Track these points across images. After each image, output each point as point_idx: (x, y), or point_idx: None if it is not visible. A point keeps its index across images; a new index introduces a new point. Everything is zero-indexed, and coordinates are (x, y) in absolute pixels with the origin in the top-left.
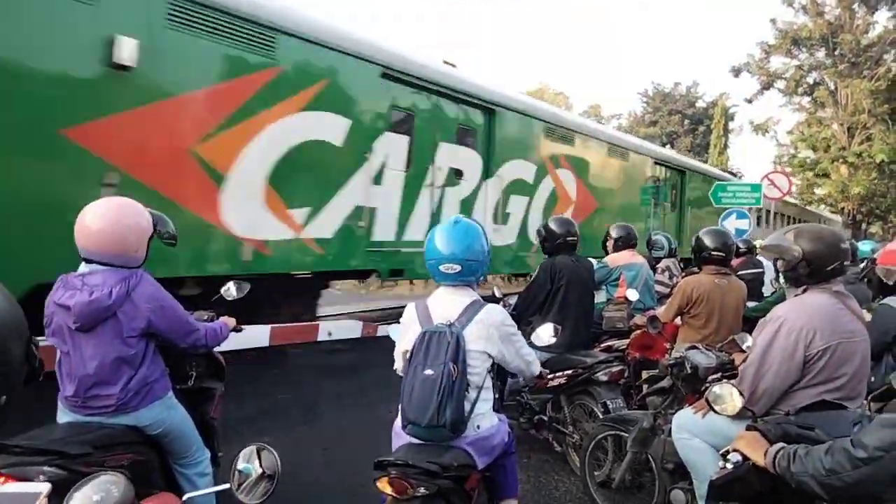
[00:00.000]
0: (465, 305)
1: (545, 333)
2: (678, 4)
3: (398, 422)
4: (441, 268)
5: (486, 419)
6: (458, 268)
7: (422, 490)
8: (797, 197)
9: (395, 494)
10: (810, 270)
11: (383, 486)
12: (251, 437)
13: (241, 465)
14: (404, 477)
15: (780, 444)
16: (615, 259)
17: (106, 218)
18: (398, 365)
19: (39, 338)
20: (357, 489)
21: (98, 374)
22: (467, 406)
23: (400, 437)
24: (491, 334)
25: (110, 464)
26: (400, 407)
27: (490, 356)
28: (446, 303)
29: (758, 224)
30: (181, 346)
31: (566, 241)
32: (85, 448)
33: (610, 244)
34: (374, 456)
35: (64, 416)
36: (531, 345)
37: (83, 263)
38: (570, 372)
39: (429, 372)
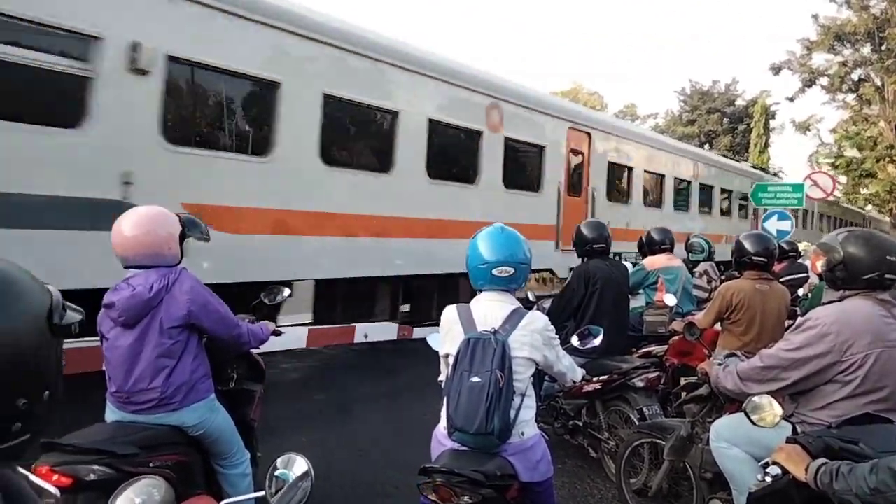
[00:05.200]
0: (509, 312)
1: (584, 337)
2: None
3: (441, 427)
4: (494, 271)
5: (529, 427)
6: (511, 270)
7: (466, 499)
8: (842, 197)
9: (439, 501)
10: (847, 275)
11: (428, 492)
12: (288, 437)
13: (277, 471)
14: (449, 485)
15: (823, 460)
16: (652, 262)
17: (138, 225)
18: (443, 377)
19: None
20: (392, 491)
21: (141, 368)
22: (512, 413)
23: (441, 443)
24: (535, 340)
25: (155, 464)
26: (445, 413)
27: (535, 363)
28: (490, 309)
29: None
30: (225, 339)
31: (594, 248)
32: (132, 448)
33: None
34: (409, 458)
35: (111, 414)
36: (567, 350)
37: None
38: (605, 377)
39: (476, 379)
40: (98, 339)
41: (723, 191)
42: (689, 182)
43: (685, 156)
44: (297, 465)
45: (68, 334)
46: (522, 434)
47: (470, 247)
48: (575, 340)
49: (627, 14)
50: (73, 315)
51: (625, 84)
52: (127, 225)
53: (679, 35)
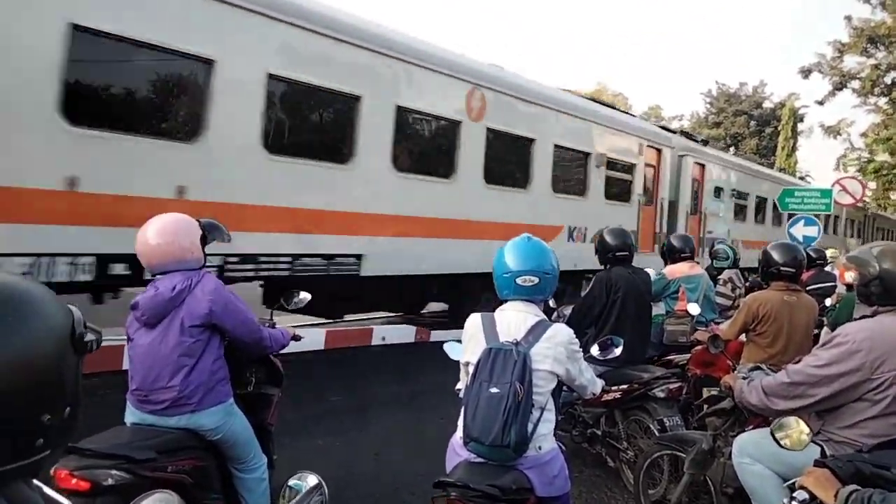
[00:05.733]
0: (532, 324)
1: (605, 348)
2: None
3: (457, 437)
4: (518, 280)
5: (546, 441)
6: (535, 280)
7: None
8: (871, 203)
9: None
10: (882, 291)
11: None
12: (304, 440)
13: (292, 482)
14: (464, 499)
15: (854, 487)
16: (673, 271)
17: (162, 234)
18: (461, 385)
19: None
20: (408, 498)
21: (161, 365)
22: (530, 427)
23: (457, 452)
24: (559, 353)
25: (173, 469)
26: (462, 422)
27: (556, 376)
28: (514, 319)
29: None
30: (246, 342)
31: (617, 255)
32: (150, 453)
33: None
34: (425, 463)
35: (130, 415)
36: (588, 359)
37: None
38: (625, 387)
39: (494, 390)
40: (112, 338)
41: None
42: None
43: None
44: (309, 479)
45: (89, 350)
46: (540, 448)
47: (496, 256)
48: (595, 350)
49: (652, 14)
50: (91, 335)
51: (650, 85)
52: (151, 234)
53: (705, 36)
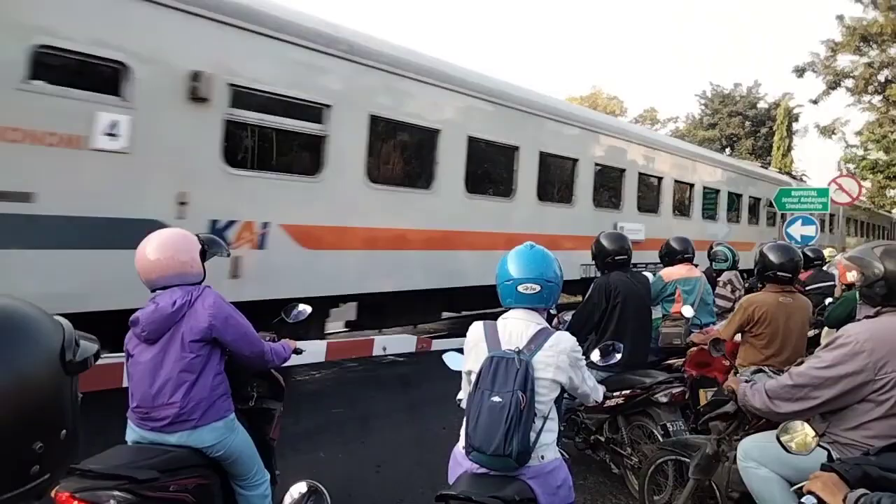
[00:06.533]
0: (535, 332)
1: (606, 353)
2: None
3: (459, 447)
4: (520, 288)
5: (549, 450)
6: (537, 288)
7: None
8: (868, 201)
9: None
10: (887, 291)
11: None
12: (306, 452)
13: (293, 492)
14: None
15: (862, 490)
16: (670, 273)
17: (161, 249)
18: (462, 394)
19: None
20: None
21: (162, 382)
22: (532, 436)
23: (460, 463)
24: (561, 361)
25: (175, 488)
26: (464, 431)
27: (559, 384)
28: (516, 327)
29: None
30: (247, 356)
31: (615, 260)
32: (151, 473)
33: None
34: (428, 474)
35: (131, 433)
36: (589, 365)
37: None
38: (628, 392)
39: (497, 399)
40: (111, 355)
41: None
42: None
43: None
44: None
45: (83, 369)
46: (542, 457)
47: (499, 264)
48: (595, 356)
49: (646, 17)
50: (88, 347)
51: (644, 87)
52: (150, 249)
53: (699, 37)
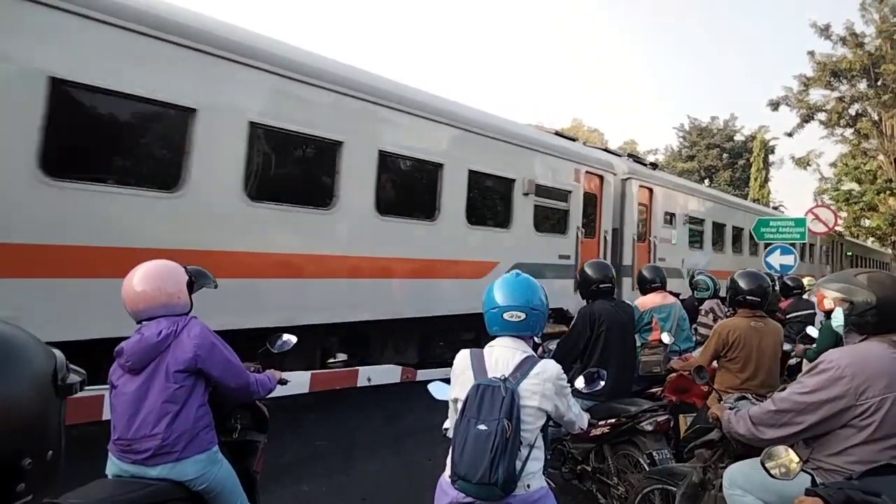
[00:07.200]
0: (520, 360)
1: (591, 381)
2: (711, 39)
3: (446, 476)
4: (505, 315)
5: (536, 479)
6: (522, 315)
7: None
8: (844, 230)
9: None
10: (879, 319)
11: None
12: (289, 486)
13: None
14: None
15: None
16: (644, 302)
17: (147, 281)
18: (448, 423)
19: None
20: None
21: (145, 413)
22: (518, 464)
23: (446, 492)
24: (547, 389)
25: None
26: (450, 460)
27: (545, 412)
28: (502, 355)
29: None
30: (232, 387)
31: (600, 288)
32: None
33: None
34: None
35: (112, 466)
36: (574, 393)
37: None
38: (613, 421)
39: (482, 427)
40: (95, 387)
41: None
42: None
43: None
44: None
45: (71, 394)
46: (528, 486)
47: (486, 292)
48: (580, 383)
49: (628, 52)
50: (75, 377)
51: (625, 120)
52: (137, 280)
53: (678, 72)
